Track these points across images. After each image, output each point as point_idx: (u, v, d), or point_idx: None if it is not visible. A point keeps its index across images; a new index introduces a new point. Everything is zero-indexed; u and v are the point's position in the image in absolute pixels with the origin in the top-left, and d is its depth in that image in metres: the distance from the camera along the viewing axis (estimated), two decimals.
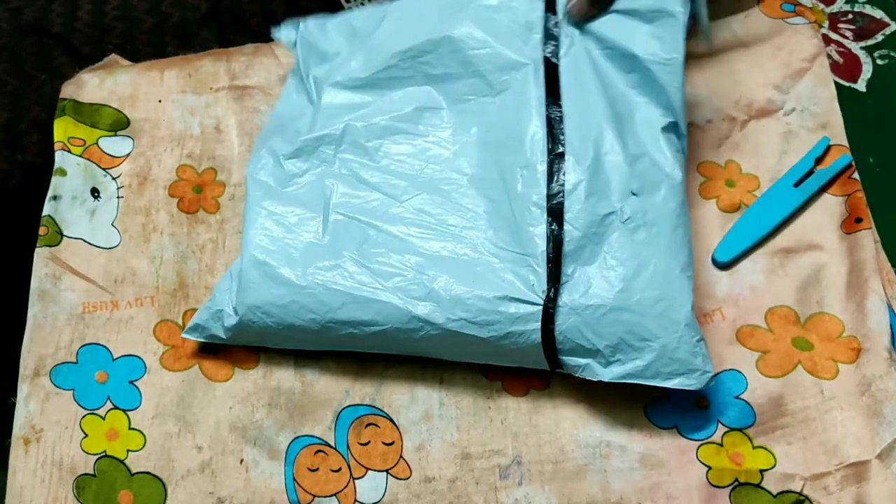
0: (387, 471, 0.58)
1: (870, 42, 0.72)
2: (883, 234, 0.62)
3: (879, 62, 0.71)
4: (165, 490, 0.58)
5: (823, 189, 0.64)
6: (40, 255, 0.65)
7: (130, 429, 0.60)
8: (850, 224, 0.62)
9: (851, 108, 0.67)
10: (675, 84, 0.58)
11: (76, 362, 0.62)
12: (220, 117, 0.72)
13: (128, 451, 0.59)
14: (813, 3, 0.73)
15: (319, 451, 0.58)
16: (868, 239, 0.60)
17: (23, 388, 0.61)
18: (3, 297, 0.67)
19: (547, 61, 0.60)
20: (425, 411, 0.59)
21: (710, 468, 0.56)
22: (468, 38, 0.61)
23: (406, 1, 0.65)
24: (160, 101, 0.73)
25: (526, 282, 0.55)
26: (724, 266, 0.62)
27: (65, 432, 0.60)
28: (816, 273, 0.61)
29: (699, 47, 0.70)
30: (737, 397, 0.57)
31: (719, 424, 0.57)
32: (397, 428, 0.59)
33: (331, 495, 0.57)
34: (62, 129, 0.71)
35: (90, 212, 0.68)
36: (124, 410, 0.61)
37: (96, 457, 0.59)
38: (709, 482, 0.55)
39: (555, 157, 0.57)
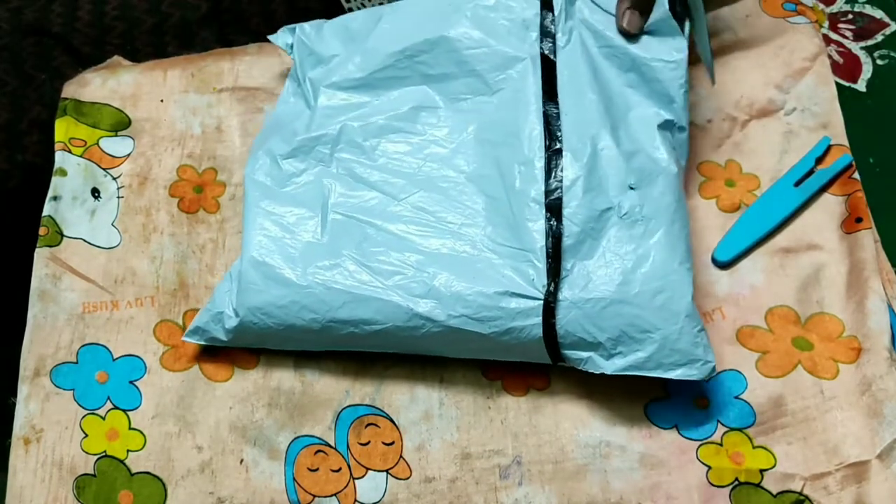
0: (387, 471, 0.58)
1: (870, 42, 0.72)
2: (883, 234, 0.62)
3: (879, 62, 0.71)
4: (165, 490, 0.58)
5: (824, 189, 0.64)
6: (40, 255, 0.66)
7: (130, 429, 0.60)
8: (851, 224, 0.62)
9: (851, 108, 0.67)
10: (679, 81, 0.59)
11: (76, 362, 0.62)
12: (222, 117, 0.72)
13: (128, 451, 0.59)
14: (813, 3, 0.73)
15: (319, 451, 0.58)
16: (868, 239, 0.60)
17: (23, 389, 0.61)
18: (3, 297, 0.67)
19: (544, 59, 0.60)
20: (425, 411, 0.59)
21: (710, 468, 0.56)
22: (464, 37, 0.62)
23: (402, 3, 0.66)
24: (162, 100, 0.73)
25: (526, 277, 0.55)
26: (724, 265, 0.62)
27: (65, 432, 0.60)
28: (816, 273, 0.61)
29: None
30: (737, 397, 0.57)
31: (719, 424, 0.57)
32: (397, 428, 0.59)
33: (331, 495, 0.57)
34: (63, 129, 0.71)
35: (90, 212, 0.68)
36: (124, 410, 0.61)
37: (96, 457, 0.59)
38: (709, 482, 0.55)
39: (552, 154, 0.57)
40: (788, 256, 0.62)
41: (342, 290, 0.57)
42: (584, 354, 0.55)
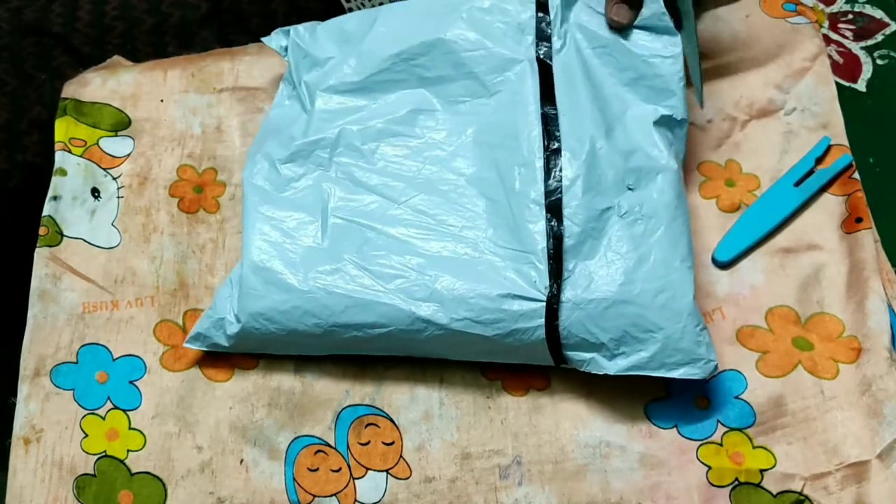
0: (387, 471, 0.58)
1: (870, 42, 0.72)
2: (883, 234, 0.62)
3: (879, 62, 0.71)
4: (165, 490, 0.58)
5: (824, 189, 0.64)
6: (40, 255, 0.66)
7: (130, 429, 0.60)
8: (851, 224, 0.62)
9: (851, 108, 0.67)
10: (678, 75, 0.59)
11: (76, 362, 0.62)
12: (223, 117, 0.72)
13: (128, 451, 0.59)
14: (813, 3, 0.73)
15: (319, 451, 0.58)
16: (868, 239, 0.60)
17: (23, 388, 0.61)
18: (3, 297, 0.67)
19: (540, 61, 0.60)
20: (425, 411, 0.59)
21: (710, 468, 0.56)
22: (461, 39, 0.62)
23: (397, 5, 0.66)
24: (162, 100, 0.73)
25: (528, 279, 0.55)
26: (724, 266, 0.62)
27: (65, 432, 0.60)
28: (816, 273, 0.61)
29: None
30: (737, 397, 0.57)
31: (719, 424, 0.57)
32: (397, 428, 0.59)
33: (331, 495, 0.57)
34: (63, 129, 0.71)
35: (90, 212, 0.68)
36: (124, 410, 0.61)
37: (96, 457, 0.59)
38: (709, 482, 0.55)
39: (551, 154, 0.57)
40: (788, 256, 0.62)
41: (344, 294, 0.57)
42: (587, 355, 0.55)
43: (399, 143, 0.62)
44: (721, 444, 0.56)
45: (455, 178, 0.60)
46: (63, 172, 0.69)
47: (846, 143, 0.65)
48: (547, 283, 0.54)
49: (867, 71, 0.70)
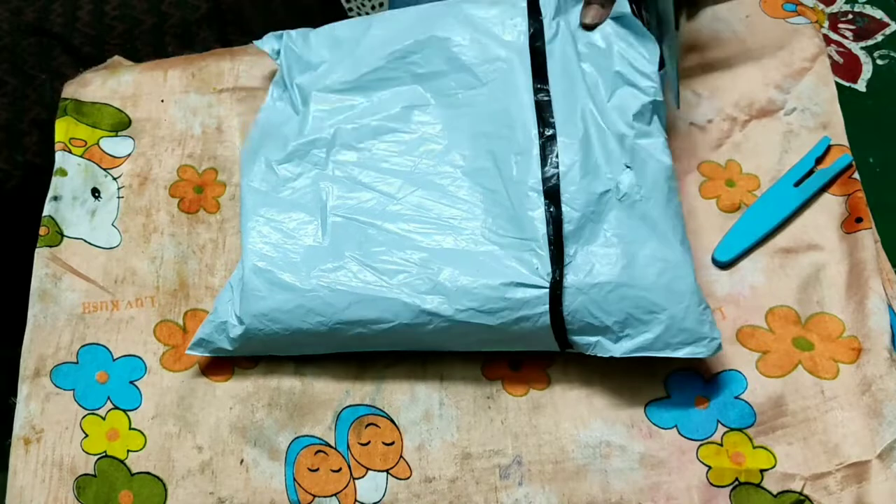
0: (387, 471, 0.58)
1: (870, 42, 0.72)
2: (883, 234, 0.61)
3: (879, 62, 0.71)
4: (166, 490, 0.58)
5: (824, 189, 0.64)
6: (40, 255, 0.66)
7: (131, 429, 0.60)
8: (851, 224, 0.62)
9: (851, 108, 0.67)
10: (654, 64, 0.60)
11: (76, 362, 0.62)
12: (223, 117, 0.72)
13: (128, 451, 0.59)
14: (814, 3, 0.73)
15: (319, 451, 0.58)
16: (868, 239, 0.60)
17: (23, 389, 0.61)
18: (3, 297, 0.67)
19: (532, 48, 0.61)
20: (425, 411, 0.59)
21: (710, 468, 0.56)
22: (454, 35, 0.63)
23: (391, 12, 0.67)
24: (162, 100, 0.73)
25: (530, 266, 0.55)
26: (724, 266, 0.62)
27: (65, 432, 0.60)
28: (817, 273, 0.61)
29: (696, 48, 0.70)
30: (737, 397, 0.57)
31: (719, 424, 0.57)
32: (397, 428, 0.59)
33: (331, 495, 0.57)
34: (63, 129, 0.71)
35: (90, 212, 0.68)
36: (124, 410, 0.61)
37: (96, 457, 0.59)
38: (709, 482, 0.55)
39: (546, 141, 0.57)
40: (788, 256, 0.62)
41: (347, 291, 0.57)
42: (592, 339, 0.55)
43: (394, 140, 0.62)
44: (721, 444, 0.56)
45: (451, 170, 0.60)
46: (63, 172, 0.69)
47: (846, 143, 0.65)
48: (549, 269, 0.55)
49: (867, 71, 0.70)
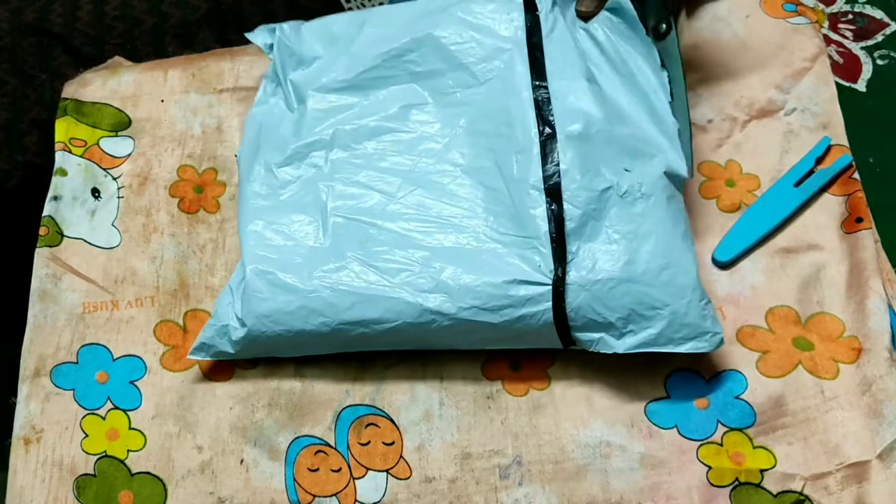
0: (387, 471, 0.58)
1: (870, 42, 0.72)
2: (883, 234, 0.61)
3: (879, 62, 0.71)
4: (165, 490, 0.58)
5: (824, 189, 0.64)
6: (40, 255, 0.66)
7: (131, 429, 0.60)
8: (851, 224, 0.62)
9: (851, 108, 0.67)
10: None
11: (76, 362, 0.62)
12: (223, 117, 0.72)
13: (128, 451, 0.59)
14: (814, 3, 0.73)
15: (319, 451, 0.58)
16: (868, 239, 0.60)
17: (23, 389, 0.61)
18: (3, 297, 0.67)
19: (530, 45, 0.60)
20: (425, 411, 0.59)
21: (710, 468, 0.56)
22: (451, 33, 0.62)
23: (386, 8, 0.67)
24: (162, 100, 0.73)
25: (532, 264, 0.55)
26: (725, 266, 0.62)
27: (65, 432, 0.60)
28: (817, 273, 0.61)
29: (696, 47, 0.70)
30: (737, 397, 0.57)
31: (719, 424, 0.57)
32: (397, 428, 0.59)
33: (331, 495, 0.57)
34: (63, 129, 0.71)
35: (90, 212, 0.68)
36: (124, 410, 0.61)
37: (96, 457, 0.59)
38: (709, 482, 0.55)
39: (547, 138, 0.57)
40: (789, 256, 0.62)
41: (350, 291, 0.57)
42: (596, 335, 0.55)
43: (393, 139, 0.62)
44: (721, 444, 0.56)
45: (451, 169, 0.60)
46: (63, 172, 0.69)
47: (846, 143, 0.65)
48: (552, 266, 0.55)
49: (867, 71, 0.70)
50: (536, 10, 0.62)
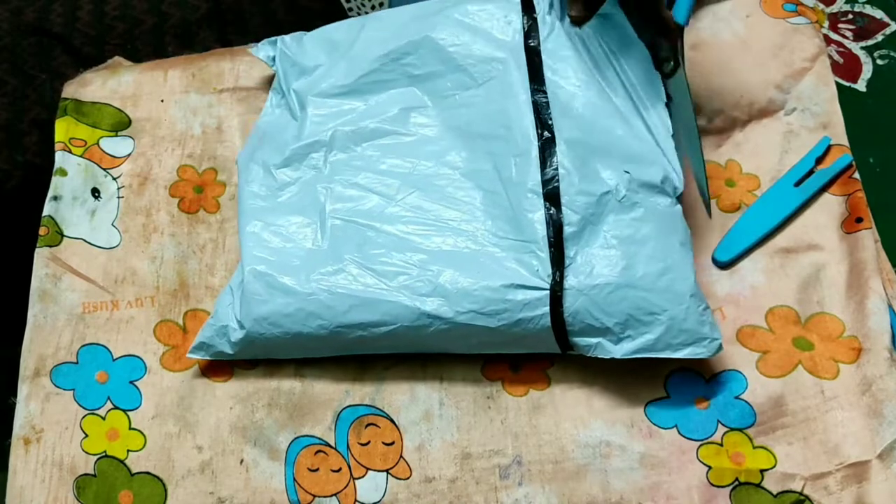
0: (387, 471, 0.58)
1: (870, 42, 0.72)
2: (883, 234, 0.61)
3: (879, 62, 0.71)
4: (165, 490, 0.58)
5: (824, 189, 0.64)
6: (40, 255, 0.66)
7: (130, 429, 0.60)
8: (851, 224, 0.62)
9: (851, 108, 0.67)
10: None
11: (76, 362, 0.62)
12: (223, 117, 0.72)
13: (128, 451, 0.59)
14: (814, 4, 0.73)
15: (319, 451, 0.58)
16: (868, 239, 0.60)
17: (23, 389, 0.61)
18: (3, 297, 0.67)
19: (528, 48, 0.60)
20: (425, 411, 0.59)
21: (710, 468, 0.56)
22: (449, 35, 0.63)
23: (384, 12, 0.67)
24: (162, 100, 0.73)
25: (530, 268, 0.55)
26: (725, 266, 0.62)
27: (65, 432, 0.60)
28: (817, 273, 0.61)
29: (696, 47, 0.70)
30: (737, 397, 0.57)
31: (719, 424, 0.57)
32: (397, 428, 0.59)
33: (331, 495, 0.57)
34: (63, 129, 0.71)
35: (90, 212, 0.68)
36: (124, 410, 0.61)
37: (96, 457, 0.59)
38: (709, 482, 0.55)
39: (545, 142, 0.57)
40: (789, 256, 0.62)
41: (347, 294, 0.57)
42: (593, 340, 0.55)
43: (392, 142, 0.62)
44: (721, 444, 0.56)
45: (450, 172, 0.60)
46: (63, 172, 0.69)
47: (846, 143, 0.65)
48: (549, 271, 0.55)
49: (867, 71, 0.70)
50: (534, 12, 0.62)
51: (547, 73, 0.60)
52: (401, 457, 0.58)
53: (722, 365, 0.58)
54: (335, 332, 0.57)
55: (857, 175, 0.63)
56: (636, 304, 0.54)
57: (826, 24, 0.73)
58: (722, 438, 0.56)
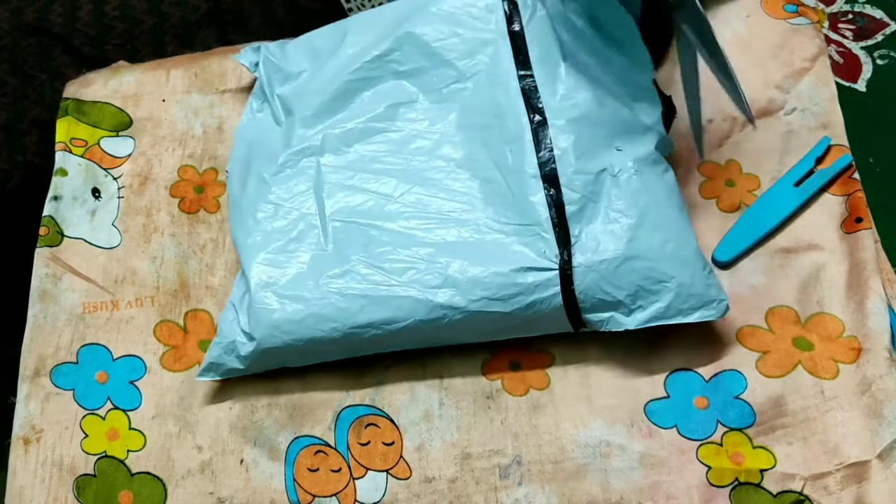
0: (387, 471, 0.58)
1: (870, 42, 0.72)
2: (883, 234, 0.61)
3: (879, 62, 0.71)
4: (165, 490, 0.58)
5: (824, 189, 0.64)
6: (41, 255, 0.66)
7: (130, 429, 0.60)
8: (851, 224, 0.62)
9: (851, 108, 0.67)
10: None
11: (76, 362, 0.62)
12: (224, 118, 0.72)
13: (128, 451, 0.59)
14: (814, 4, 0.73)
15: (319, 451, 0.58)
16: (868, 239, 0.60)
17: (23, 388, 0.61)
18: (3, 297, 0.67)
19: (512, 35, 0.61)
20: (425, 411, 0.59)
21: (709, 468, 0.56)
22: (431, 30, 0.63)
23: (366, 13, 0.67)
24: (164, 100, 0.73)
25: (537, 250, 0.55)
26: (724, 266, 0.62)
27: (65, 432, 0.60)
28: (817, 273, 0.61)
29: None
30: (737, 397, 0.57)
31: (719, 424, 0.57)
32: (397, 428, 0.59)
33: (331, 495, 0.57)
34: (64, 129, 0.71)
35: (91, 212, 0.68)
36: (124, 410, 0.61)
37: (96, 457, 0.59)
38: (709, 482, 0.55)
39: (538, 126, 0.58)
40: (788, 256, 0.62)
41: (358, 294, 0.57)
42: (605, 315, 0.56)
43: (383, 140, 0.63)
44: (721, 444, 0.56)
45: (445, 164, 0.60)
46: (63, 172, 0.69)
47: (846, 143, 0.65)
48: (557, 251, 0.55)
49: (867, 71, 0.70)
50: None
51: (533, 58, 0.60)
52: (401, 457, 0.58)
53: (722, 365, 0.58)
54: (349, 333, 0.57)
55: (856, 175, 0.63)
56: (644, 274, 0.54)
57: (826, 23, 0.73)
58: (722, 438, 0.56)
